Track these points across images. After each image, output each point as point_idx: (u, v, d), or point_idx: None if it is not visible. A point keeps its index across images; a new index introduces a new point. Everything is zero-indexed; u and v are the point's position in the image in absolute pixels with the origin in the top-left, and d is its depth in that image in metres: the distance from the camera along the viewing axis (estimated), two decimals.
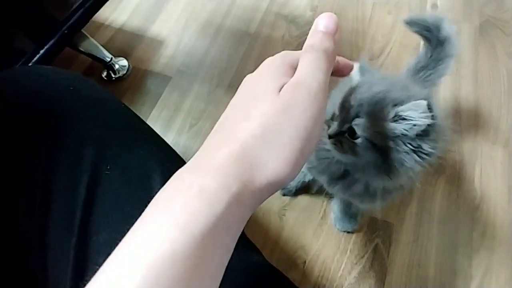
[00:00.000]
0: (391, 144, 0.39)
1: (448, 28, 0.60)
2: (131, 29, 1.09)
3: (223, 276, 0.21)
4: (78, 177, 0.41)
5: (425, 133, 0.39)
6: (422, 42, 0.62)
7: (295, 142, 0.23)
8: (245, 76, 0.35)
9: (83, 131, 0.44)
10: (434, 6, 1.10)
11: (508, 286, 0.69)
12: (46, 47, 0.73)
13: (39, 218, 0.39)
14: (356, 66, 0.40)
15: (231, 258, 0.22)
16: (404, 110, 0.38)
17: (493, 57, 0.99)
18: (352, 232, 0.74)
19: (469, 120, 0.89)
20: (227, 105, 0.28)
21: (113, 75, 0.97)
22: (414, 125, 0.38)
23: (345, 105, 0.42)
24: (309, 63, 0.26)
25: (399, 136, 0.39)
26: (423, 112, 0.37)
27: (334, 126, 0.42)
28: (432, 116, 0.38)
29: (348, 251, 0.73)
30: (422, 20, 0.61)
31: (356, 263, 0.71)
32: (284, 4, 1.13)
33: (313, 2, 1.13)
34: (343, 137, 0.42)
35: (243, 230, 0.31)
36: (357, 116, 0.40)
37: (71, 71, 0.71)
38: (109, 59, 0.95)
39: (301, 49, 0.29)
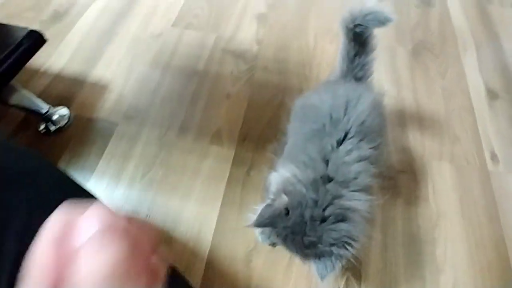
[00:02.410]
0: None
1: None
2: (71, 74, 1.03)
3: None
4: None
5: None
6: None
7: None
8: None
9: None
10: None
11: None
12: None
13: None
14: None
15: None
16: None
17: (428, 77, 1.07)
18: None
19: (415, 139, 0.93)
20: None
21: (51, 127, 0.89)
22: None
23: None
24: None
25: None
26: None
27: None
28: None
29: None
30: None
31: None
32: (230, 39, 1.14)
33: (258, 36, 1.15)
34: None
35: None
36: None
37: None
38: (45, 111, 0.87)
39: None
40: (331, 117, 0.54)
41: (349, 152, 0.51)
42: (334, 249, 0.43)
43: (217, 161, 0.86)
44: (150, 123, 0.93)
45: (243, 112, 0.96)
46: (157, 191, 0.81)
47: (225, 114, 0.95)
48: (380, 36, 1.18)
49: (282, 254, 0.74)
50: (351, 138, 0.52)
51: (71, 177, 0.48)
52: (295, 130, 0.62)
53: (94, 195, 0.49)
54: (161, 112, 0.95)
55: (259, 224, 0.45)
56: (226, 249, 0.74)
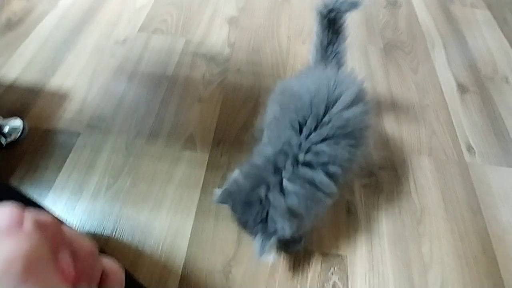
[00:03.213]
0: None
1: None
2: (26, 84, 0.95)
3: None
4: None
5: None
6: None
7: None
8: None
9: None
10: None
11: None
12: None
13: None
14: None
15: None
16: None
17: (401, 73, 1.07)
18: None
19: (394, 134, 0.92)
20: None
21: (2, 141, 0.80)
22: None
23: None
24: None
25: None
26: None
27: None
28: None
29: None
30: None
31: None
32: (200, 43, 1.10)
33: (230, 39, 1.12)
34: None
35: None
36: None
37: None
38: None
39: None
40: (311, 111, 0.52)
41: (317, 154, 0.51)
42: (260, 231, 0.50)
43: (190, 166, 0.80)
44: (116, 131, 0.86)
45: (217, 115, 0.92)
46: (124, 203, 0.74)
47: (198, 118, 0.90)
48: (352, 36, 1.18)
49: (264, 263, 0.68)
50: (328, 139, 0.51)
51: (19, 190, 0.42)
52: (274, 115, 0.60)
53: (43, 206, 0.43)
54: (128, 119, 0.89)
55: (221, 201, 0.53)
56: (203, 261, 0.68)
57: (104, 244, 0.69)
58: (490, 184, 0.85)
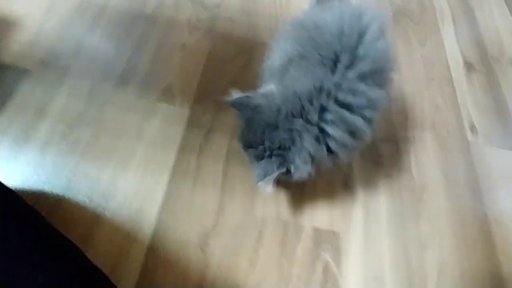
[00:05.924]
0: None
1: None
2: None
3: None
4: None
5: None
6: None
7: None
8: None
9: None
10: None
11: (461, 277, 0.63)
12: None
13: None
14: None
15: None
16: None
17: (408, 44, 0.98)
18: None
19: (397, 107, 0.84)
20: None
21: None
22: None
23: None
24: None
25: None
26: None
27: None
28: None
29: (294, 277, 0.57)
30: None
31: None
32: None
33: None
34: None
35: None
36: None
37: None
38: None
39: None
40: (342, 44, 0.45)
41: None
42: (273, 156, 0.45)
43: (166, 122, 0.68)
44: (77, 72, 0.71)
45: (202, 66, 0.78)
46: (82, 157, 0.61)
47: (179, 68, 0.77)
48: (359, 0, 1.07)
49: (248, 235, 0.59)
50: (366, 77, 0.45)
51: None
52: (288, 56, 0.51)
53: None
54: (93, 60, 0.74)
55: (238, 106, 0.46)
56: (176, 231, 0.57)
57: (55, 205, 0.56)
58: (491, 166, 0.79)
